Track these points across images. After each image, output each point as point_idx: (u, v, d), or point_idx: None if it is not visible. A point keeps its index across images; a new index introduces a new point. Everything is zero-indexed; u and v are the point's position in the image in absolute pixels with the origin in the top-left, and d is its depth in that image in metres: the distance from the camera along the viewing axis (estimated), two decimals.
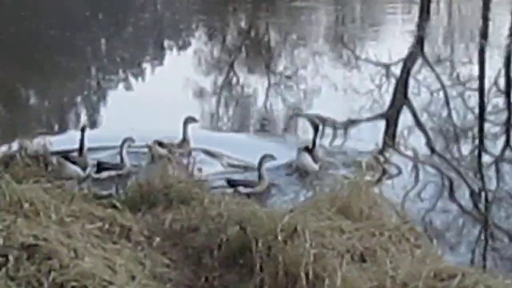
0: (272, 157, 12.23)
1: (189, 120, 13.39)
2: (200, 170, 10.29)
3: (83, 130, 12.64)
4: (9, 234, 6.82)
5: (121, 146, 12.43)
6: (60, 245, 6.76)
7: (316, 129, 13.65)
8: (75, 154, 12.24)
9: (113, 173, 12.13)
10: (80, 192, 9.35)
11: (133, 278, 6.91)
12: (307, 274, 6.79)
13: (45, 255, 6.58)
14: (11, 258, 6.53)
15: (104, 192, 9.62)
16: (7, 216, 7.26)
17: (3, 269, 6.39)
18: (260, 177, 11.54)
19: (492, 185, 11.68)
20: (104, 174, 12.13)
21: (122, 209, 8.74)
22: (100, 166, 12.31)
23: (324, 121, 14.52)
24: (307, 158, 12.78)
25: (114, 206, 8.77)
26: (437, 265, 7.09)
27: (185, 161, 10.37)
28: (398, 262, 6.85)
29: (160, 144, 12.87)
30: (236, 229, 7.70)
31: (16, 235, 6.82)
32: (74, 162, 11.83)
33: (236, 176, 12.03)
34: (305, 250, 6.98)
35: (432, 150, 13.29)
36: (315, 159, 12.78)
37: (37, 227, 7.06)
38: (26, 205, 7.68)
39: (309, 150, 13.03)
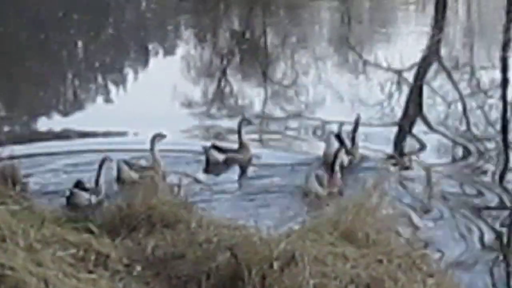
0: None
1: (157, 137, 13.41)
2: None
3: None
4: None
5: (100, 166, 12.49)
6: (28, 274, 6.69)
7: (341, 143, 14.13)
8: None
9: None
10: (52, 215, 9.33)
11: None
12: None
13: (12, 286, 6.61)
14: None
15: (79, 215, 9.59)
16: None
17: None
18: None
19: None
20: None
21: (99, 234, 8.53)
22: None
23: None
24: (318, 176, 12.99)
25: (90, 231, 8.63)
26: None
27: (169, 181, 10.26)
28: None
29: (128, 164, 12.96)
30: (226, 256, 7.48)
31: None
32: (86, 190, 12.05)
33: None
34: (304, 279, 6.92)
35: (452, 163, 13.33)
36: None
37: (2, 255, 7.02)
38: None
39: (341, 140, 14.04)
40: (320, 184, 12.71)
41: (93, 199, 12.21)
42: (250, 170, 13.67)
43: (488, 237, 10.98)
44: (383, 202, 9.31)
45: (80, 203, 12.14)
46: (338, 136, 13.95)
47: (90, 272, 7.54)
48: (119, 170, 12.78)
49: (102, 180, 12.70)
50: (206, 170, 13.67)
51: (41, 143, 14.37)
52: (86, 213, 9.87)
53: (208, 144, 14.05)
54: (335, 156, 13.06)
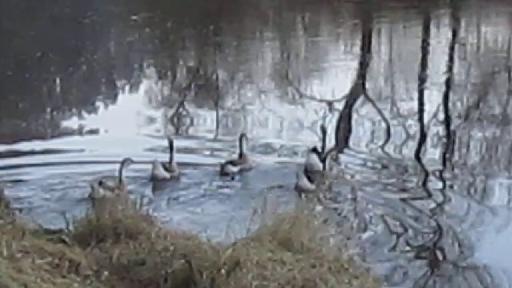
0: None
1: (126, 161, 13.39)
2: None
3: (123, 163, 13.22)
4: None
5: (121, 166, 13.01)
6: (11, 279, 6.82)
7: (324, 133, 14.63)
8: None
9: None
10: (31, 228, 9.39)
11: None
12: None
13: None
14: None
15: (54, 228, 9.64)
16: None
17: None
18: None
19: (431, 217, 11.70)
20: None
21: (72, 244, 8.70)
22: None
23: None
24: (315, 159, 13.79)
25: (64, 241, 8.76)
26: None
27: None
28: None
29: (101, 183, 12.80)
30: (181, 262, 7.71)
31: None
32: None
33: None
34: (248, 282, 7.11)
35: (375, 182, 13.36)
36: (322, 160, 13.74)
37: None
38: None
39: (318, 152, 14.04)
40: (310, 182, 13.01)
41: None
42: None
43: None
44: (314, 214, 9.43)
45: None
46: (315, 150, 14.11)
47: (64, 277, 7.69)
48: (92, 189, 12.58)
49: (159, 172, 13.48)
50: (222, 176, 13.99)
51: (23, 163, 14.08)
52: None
53: None
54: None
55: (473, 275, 9.93)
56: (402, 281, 9.52)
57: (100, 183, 12.75)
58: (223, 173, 13.92)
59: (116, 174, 12.87)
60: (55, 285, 7.37)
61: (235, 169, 13.93)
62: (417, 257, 10.31)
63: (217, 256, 7.63)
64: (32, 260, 7.89)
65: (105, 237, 9.15)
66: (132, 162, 13.49)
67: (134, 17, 32.16)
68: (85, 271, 8.15)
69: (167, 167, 13.69)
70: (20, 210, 10.74)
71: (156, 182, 13.75)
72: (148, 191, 12.95)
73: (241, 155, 14.16)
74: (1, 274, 6.93)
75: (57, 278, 7.60)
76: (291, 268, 7.69)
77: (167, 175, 13.77)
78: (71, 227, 9.58)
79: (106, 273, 8.20)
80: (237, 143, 14.55)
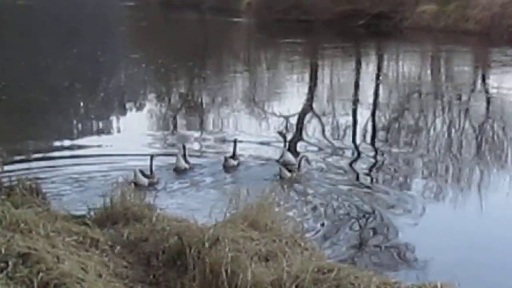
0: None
1: (153, 156, 13.45)
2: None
3: (152, 158, 13.35)
4: (8, 245, 6.83)
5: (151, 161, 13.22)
6: (46, 253, 6.78)
7: (284, 138, 14.75)
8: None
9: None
10: (62, 214, 9.36)
11: (100, 276, 6.97)
12: (226, 271, 6.89)
13: (35, 260, 6.61)
14: (10, 263, 6.55)
15: (79, 213, 9.63)
16: (7, 233, 7.27)
17: (4, 272, 6.42)
18: None
19: (367, 204, 11.77)
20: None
21: (92, 226, 8.71)
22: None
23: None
24: (289, 155, 13.95)
25: (86, 224, 8.76)
26: (320, 262, 7.21)
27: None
28: (292, 261, 6.93)
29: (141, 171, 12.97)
30: (175, 239, 7.73)
31: (14, 246, 6.83)
32: (146, 176, 12.74)
33: None
34: (225, 253, 7.07)
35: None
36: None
37: (29, 240, 7.06)
38: (22, 225, 7.68)
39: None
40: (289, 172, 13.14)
41: (148, 181, 12.75)
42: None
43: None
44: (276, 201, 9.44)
45: (141, 183, 12.57)
46: (289, 149, 14.44)
47: (87, 251, 7.70)
48: (135, 176, 12.77)
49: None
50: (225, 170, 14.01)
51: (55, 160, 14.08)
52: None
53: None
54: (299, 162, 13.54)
55: (395, 251, 9.91)
56: (339, 254, 9.44)
57: (141, 172, 12.90)
58: (225, 165, 13.95)
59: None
60: (80, 257, 7.38)
61: (235, 162, 13.97)
62: (353, 236, 10.27)
63: (202, 234, 7.67)
64: (62, 238, 7.90)
65: (117, 220, 9.18)
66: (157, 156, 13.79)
67: (134, 56, 32.21)
68: (102, 246, 8.17)
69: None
70: (53, 200, 10.73)
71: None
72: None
73: (234, 154, 14.08)
74: (39, 249, 6.91)
75: (81, 252, 7.59)
76: (257, 243, 7.68)
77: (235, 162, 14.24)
78: (92, 213, 9.57)
79: (118, 247, 8.22)
80: (223, 146, 15.10)
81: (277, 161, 14.00)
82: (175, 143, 15.59)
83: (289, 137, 15.77)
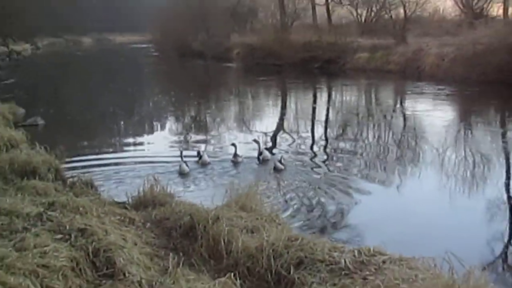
0: None
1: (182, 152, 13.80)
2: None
3: (198, 154, 13.93)
4: (71, 223, 6.74)
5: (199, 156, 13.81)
6: (97, 228, 6.71)
7: (258, 144, 14.54)
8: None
9: None
10: (108, 201, 9.30)
11: (135, 244, 6.91)
12: (224, 240, 6.85)
13: (90, 233, 6.54)
14: (72, 235, 6.46)
15: (120, 200, 9.57)
16: (70, 214, 7.20)
17: (68, 241, 6.33)
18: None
19: (330, 193, 11.53)
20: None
21: (130, 209, 8.72)
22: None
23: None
24: (267, 153, 14.28)
25: (126, 208, 8.74)
26: (289, 233, 7.12)
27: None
28: (270, 233, 6.84)
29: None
30: (188, 218, 7.67)
31: (75, 224, 6.74)
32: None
33: None
34: (223, 228, 7.06)
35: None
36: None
37: (86, 219, 7.00)
38: (80, 208, 7.62)
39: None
40: (281, 164, 13.11)
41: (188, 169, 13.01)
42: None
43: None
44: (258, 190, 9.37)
45: (184, 172, 12.78)
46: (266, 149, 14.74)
47: (126, 227, 7.64)
48: (180, 167, 12.90)
49: (206, 158, 13.83)
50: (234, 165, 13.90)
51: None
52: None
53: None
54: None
55: (343, 224, 9.86)
56: (303, 227, 9.44)
57: (185, 163, 12.93)
58: (233, 160, 13.90)
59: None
60: (121, 231, 7.40)
61: (240, 159, 13.89)
62: (313, 214, 10.22)
63: (207, 214, 7.65)
64: (109, 218, 7.91)
65: (147, 205, 9.18)
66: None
67: (156, 89, 33.09)
68: (137, 224, 8.20)
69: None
70: (102, 191, 10.67)
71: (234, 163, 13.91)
72: (173, 176, 12.57)
73: (236, 153, 13.91)
74: (92, 225, 6.88)
75: (122, 227, 7.61)
76: (245, 220, 7.65)
77: (240, 159, 14.21)
78: (129, 200, 9.52)
79: (148, 224, 8.24)
80: (222, 149, 15.20)
81: (258, 156, 14.01)
82: (188, 148, 15.44)
83: (263, 143, 15.73)
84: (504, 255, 8.53)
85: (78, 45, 76.36)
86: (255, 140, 15.11)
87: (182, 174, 12.77)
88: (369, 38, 40.29)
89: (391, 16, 44.55)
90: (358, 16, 48.97)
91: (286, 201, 10.87)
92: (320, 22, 49.56)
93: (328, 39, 41.13)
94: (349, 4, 49.54)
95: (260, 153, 14.13)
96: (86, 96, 28.82)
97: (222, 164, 13.78)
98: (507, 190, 11.93)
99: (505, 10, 39.62)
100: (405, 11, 42.64)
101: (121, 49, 70.73)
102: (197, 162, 13.57)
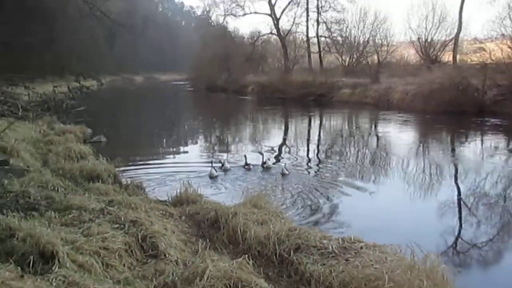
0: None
1: (213, 161, 13.73)
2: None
3: (221, 164, 13.70)
4: (125, 216, 6.72)
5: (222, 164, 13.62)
6: (145, 220, 6.69)
7: (262, 154, 14.45)
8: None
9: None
10: (153, 199, 9.27)
11: (173, 232, 6.88)
12: (240, 230, 6.81)
13: (139, 224, 6.51)
14: (126, 225, 6.44)
15: (162, 199, 9.52)
16: (124, 209, 7.18)
17: (123, 230, 6.32)
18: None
19: (323, 194, 11.34)
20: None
21: (170, 206, 8.59)
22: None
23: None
24: (270, 162, 14.03)
25: (167, 205, 8.62)
26: (290, 225, 7.09)
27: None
28: (275, 225, 6.82)
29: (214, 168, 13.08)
30: (213, 213, 7.58)
31: (128, 216, 6.73)
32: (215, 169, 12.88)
33: None
34: (239, 221, 7.01)
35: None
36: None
37: (136, 213, 6.99)
38: (132, 205, 7.60)
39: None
40: (286, 170, 13.01)
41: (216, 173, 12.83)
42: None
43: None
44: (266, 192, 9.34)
45: (213, 175, 12.66)
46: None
47: (167, 219, 7.60)
48: (211, 172, 12.86)
49: (227, 165, 13.57)
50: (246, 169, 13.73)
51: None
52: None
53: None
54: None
55: (333, 218, 9.76)
56: (301, 220, 9.23)
57: (214, 168, 12.84)
58: (246, 167, 13.74)
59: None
60: (163, 222, 7.42)
61: (248, 166, 13.77)
62: (310, 210, 10.06)
63: (228, 210, 7.60)
64: (154, 212, 7.85)
65: (183, 202, 9.15)
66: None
67: (188, 115, 32.75)
68: (175, 217, 8.19)
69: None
70: (149, 191, 10.65)
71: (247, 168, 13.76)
72: (203, 179, 12.50)
73: (246, 162, 13.80)
74: (141, 218, 6.87)
75: (164, 220, 7.62)
76: (257, 215, 7.56)
77: (251, 166, 13.90)
78: (169, 199, 9.44)
79: (183, 217, 8.20)
80: (242, 159, 14.54)
81: (262, 165, 13.85)
82: (214, 158, 15.16)
83: (269, 155, 15.56)
84: (454, 243, 8.47)
85: (132, 82, 77.12)
86: (260, 152, 15.05)
87: (211, 177, 12.65)
88: (351, 78, 40.28)
89: (367, 62, 44.85)
90: (343, 62, 49.14)
91: (288, 200, 10.72)
92: (314, 66, 50.14)
93: (320, 79, 41.11)
94: (336, 52, 50.44)
95: (264, 162, 13.95)
96: (137, 120, 28.86)
97: (238, 170, 13.65)
98: (455, 193, 11.86)
99: (454, 57, 40.19)
100: (378, 58, 43.01)
101: (165, 86, 70.88)
102: (220, 168, 13.44)
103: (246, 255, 5.71)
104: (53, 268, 4.87)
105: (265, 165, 13.86)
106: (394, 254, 5.76)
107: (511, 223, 9.50)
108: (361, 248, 6.08)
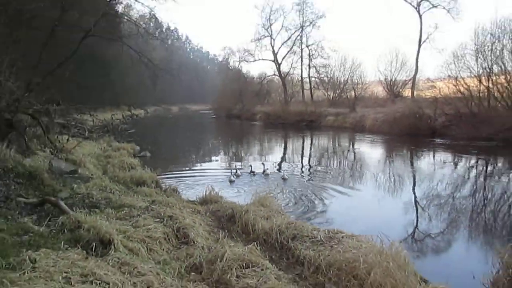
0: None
1: (232, 170, 13.64)
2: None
3: (235, 171, 13.52)
4: (164, 212, 6.66)
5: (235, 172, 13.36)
6: (179, 215, 6.64)
7: (264, 165, 14.29)
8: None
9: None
10: (186, 199, 9.22)
11: (200, 225, 6.84)
12: (251, 223, 6.77)
13: (175, 218, 6.47)
14: (164, 219, 6.41)
15: (192, 199, 9.44)
16: (163, 207, 7.15)
17: (162, 223, 6.30)
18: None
19: (317, 196, 11.15)
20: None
21: (198, 204, 8.53)
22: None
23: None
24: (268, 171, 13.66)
25: (195, 203, 8.57)
26: (289, 220, 7.03)
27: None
28: (277, 219, 6.76)
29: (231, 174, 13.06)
30: (230, 210, 7.53)
31: (167, 213, 6.67)
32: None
33: None
34: (250, 216, 6.95)
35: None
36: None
37: (173, 210, 6.92)
38: (170, 204, 7.55)
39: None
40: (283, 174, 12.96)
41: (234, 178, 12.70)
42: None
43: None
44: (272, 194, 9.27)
45: (232, 180, 12.55)
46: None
47: (195, 215, 7.55)
48: (230, 176, 12.87)
49: (239, 173, 13.36)
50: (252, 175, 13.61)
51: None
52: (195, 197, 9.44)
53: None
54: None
55: (322, 213, 9.67)
56: (297, 216, 9.10)
57: (232, 175, 12.82)
58: (250, 173, 13.73)
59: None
60: (192, 217, 7.31)
61: (255, 173, 13.77)
62: (304, 208, 9.95)
63: (241, 208, 7.55)
64: (186, 210, 7.79)
65: (208, 202, 9.05)
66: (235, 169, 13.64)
67: (210, 136, 32.49)
68: (201, 213, 8.06)
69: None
70: (182, 193, 10.59)
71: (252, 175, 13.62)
72: (222, 183, 12.45)
73: (251, 170, 13.81)
74: (176, 213, 6.81)
75: (193, 215, 7.54)
76: (263, 212, 7.49)
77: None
78: (197, 199, 9.38)
79: (208, 213, 8.07)
80: (249, 167, 14.45)
81: (263, 172, 13.87)
82: (232, 168, 15.02)
83: (271, 165, 15.61)
84: (412, 233, 8.40)
85: (169, 111, 77.35)
86: (262, 163, 15.06)
87: (230, 181, 12.67)
88: (334, 108, 40.15)
89: (347, 96, 44.85)
90: (328, 96, 49.12)
91: (287, 200, 10.66)
92: (307, 99, 50.35)
93: (311, 109, 41.03)
94: (323, 89, 50.64)
95: (264, 170, 13.97)
96: (173, 139, 28.79)
97: (247, 176, 13.64)
98: (414, 195, 11.81)
99: (412, 93, 40.39)
100: (355, 93, 42.88)
101: (194, 114, 70.87)
102: (235, 174, 13.39)
103: (255, 243, 5.68)
104: (110, 252, 4.89)
105: (265, 173, 13.89)
106: (368, 242, 5.72)
107: (457, 219, 9.40)
108: (342, 237, 6.03)
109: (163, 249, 5.63)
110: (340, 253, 5.33)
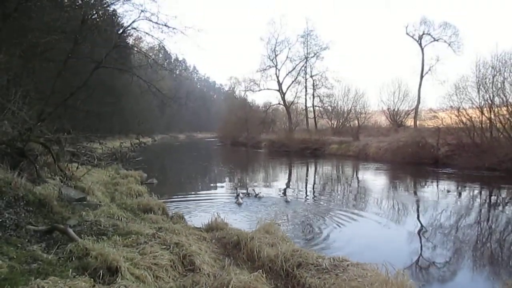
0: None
1: (237, 194, 13.98)
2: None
3: (240, 195, 13.75)
4: (170, 239, 6.62)
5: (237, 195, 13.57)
6: (186, 242, 6.59)
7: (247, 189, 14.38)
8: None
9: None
10: (191, 226, 9.15)
11: (206, 252, 6.77)
12: (256, 250, 6.71)
13: (181, 245, 6.42)
14: (171, 246, 6.35)
15: (198, 226, 9.37)
16: (170, 234, 7.11)
17: (168, 250, 6.25)
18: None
19: (315, 218, 11.05)
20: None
21: (203, 231, 8.48)
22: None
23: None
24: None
25: (201, 231, 8.52)
26: (294, 247, 6.97)
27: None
28: (282, 247, 6.72)
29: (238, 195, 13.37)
30: (236, 237, 7.48)
31: (173, 240, 6.63)
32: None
33: None
34: (255, 243, 6.90)
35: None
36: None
37: (179, 237, 6.89)
38: (176, 231, 7.49)
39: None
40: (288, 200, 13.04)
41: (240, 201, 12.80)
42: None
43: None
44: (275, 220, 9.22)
45: (239, 203, 12.67)
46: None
47: (201, 242, 7.50)
48: (236, 199, 13.03)
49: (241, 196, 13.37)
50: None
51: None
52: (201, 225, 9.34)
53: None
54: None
55: (325, 240, 9.56)
56: (302, 243, 9.00)
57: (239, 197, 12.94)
58: (248, 195, 14.02)
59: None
60: (198, 244, 7.24)
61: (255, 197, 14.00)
62: (308, 235, 9.87)
63: (246, 235, 7.48)
64: (192, 236, 7.71)
65: (213, 229, 8.94)
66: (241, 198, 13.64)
67: (215, 162, 32.66)
68: (207, 240, 7.98)
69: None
70: (188, 220, 10.53)
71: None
72: (227, 206, 12.44)
73: (254, 190, 14.23)
74: (182, 241, 6.75)
75: (199, 242, 7.45)
76: (268, 239, 7.43)
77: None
78: (203, 226, 9.31)
79: (213, 240, 8.00)
80: (254, 192, 14.64)
81: (256, 195, 14.21)
82: (237, 192, 14.94)
83: (258, 190, 15.54)
84: (416, 262, 8.27)
85: (176, 139, 77.92)
86: (252, 189, 15.34)
87: (239, 204, 12.86)
88: (338, 137, 40.42)
89: (350, 125, 45.05)
90: (332, 124, 49.40)
91: (291, 226, 10.57)
92: (311, 128, 50.58)
93: (315, 137, 41.29)
94: (327, 118, 50.91)
95: (256, 194, 14.35)
96: (180, 166, 28.87)
97: (249, 199, 13.83)
98: (418, 224, 11.63)
99: (415, 122, 40.51)
100: (358, 122, 43.20)
101: (200, 141, 71.26)
102: (240, 197, 13.60)
103: (261, 270, 5.64)
104: (117, 279, 4.85)
105: (257, 195, 14.26)
106: (373, 271, 5.65)
107: (462, 248, 9.25)
108: (348, 265, 5.97)
109: (169, 277, 5.58)
110: (346, 282, 5.26)
